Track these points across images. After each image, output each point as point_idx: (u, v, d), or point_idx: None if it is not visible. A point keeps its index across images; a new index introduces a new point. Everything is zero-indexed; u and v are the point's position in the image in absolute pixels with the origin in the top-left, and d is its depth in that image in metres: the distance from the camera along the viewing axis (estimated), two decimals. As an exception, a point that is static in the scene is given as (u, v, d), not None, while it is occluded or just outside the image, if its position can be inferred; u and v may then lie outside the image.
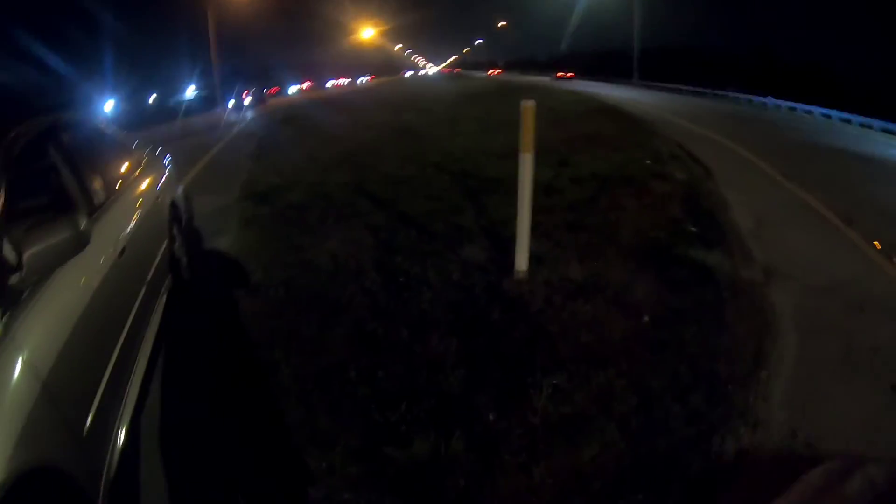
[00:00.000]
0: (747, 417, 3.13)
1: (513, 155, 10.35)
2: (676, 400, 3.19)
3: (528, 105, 4.40)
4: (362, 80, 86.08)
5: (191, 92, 46.82)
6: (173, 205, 4.76)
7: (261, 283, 4.80)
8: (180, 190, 5.68)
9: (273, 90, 54.26)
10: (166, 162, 5.41)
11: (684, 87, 36.64)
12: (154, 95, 46.32)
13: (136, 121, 27.84)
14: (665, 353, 3.71)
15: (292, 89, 62.09)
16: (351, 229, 6.26)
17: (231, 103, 33.82)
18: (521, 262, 4.62)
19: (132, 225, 3.33)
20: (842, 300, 4.73)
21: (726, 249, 5.70)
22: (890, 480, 0.36)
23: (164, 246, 4.03)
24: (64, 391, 1.93)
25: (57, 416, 1.86)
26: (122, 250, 2.91)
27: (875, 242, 6.11)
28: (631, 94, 32.22)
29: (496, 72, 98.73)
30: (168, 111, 34.79)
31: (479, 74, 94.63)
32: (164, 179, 4.82)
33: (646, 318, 4.15)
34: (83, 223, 2.12)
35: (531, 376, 3.32)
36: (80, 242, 2.12)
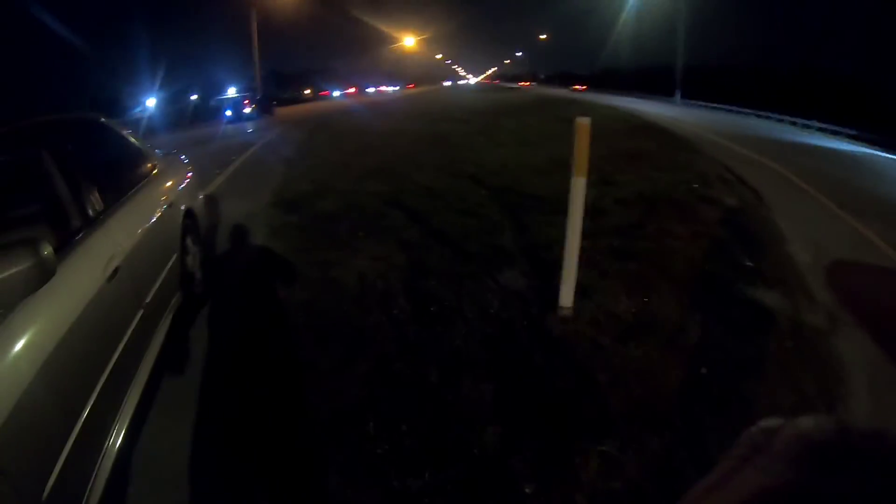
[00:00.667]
0: None
1: (553, 171, 10.01)
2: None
3: (584, 123, 3.82)
4: (393, 88, 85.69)
5: (232, 93, 47.27)
6: (189, 214, 4.42)
7: (281, 303, 4.43)
8: (201, 197, 5.36)
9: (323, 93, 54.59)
10: (185, 167, 5.09)
11: (728, 107, 35.76)
12: (195, 96, 47.00)
13: (178, 120, 28.12)
14: (727, 412, 3.24)
15: (336, 93, 62.61)
16: (381, 244, 5.88)
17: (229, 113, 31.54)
18: (567, 296, 4.14)
19: (133, 239, 2.97)
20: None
21: (786, 288, 5.18)
22: (819, 430, 0.35)
23: (172, 260, 3.69)
24: (17, 452, 1.57)
25: (6, 484, 1.51)
26: (115, 270, 2.55)
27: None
28: (672, 112, 31.48)
29: (526, 84, 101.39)
30: (209, 112, 34.97)
31: (514, 86, 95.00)
32: (180, 186, 4.49)
33: (703, 370, 3.68)
34: (45, 251, 1.74)
35: (577, 438, 2.88)
36: (43, 273, 1.75)
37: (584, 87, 65.15)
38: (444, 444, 2.84)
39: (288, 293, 4.65)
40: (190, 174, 5.07)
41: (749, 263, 5.71)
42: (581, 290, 4.39)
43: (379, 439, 2.86)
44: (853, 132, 23.23)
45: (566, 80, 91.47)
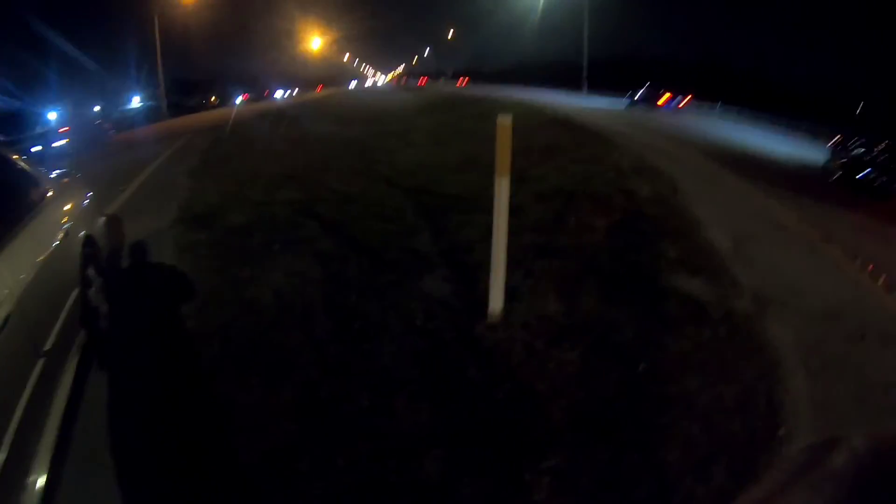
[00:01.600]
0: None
1: (468, 168, 9.86)
2: (700, 481, 2.62)
3: (505, 122, 3.66)
4: (287, 93, 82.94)
5: (136, 102, 45.34)
6: (89, 241, 4.00)
7: (193, 333, 4.07)
8: (102, 220, 4.91)
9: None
10: (83, 188, 4.65)
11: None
12: (97, 107, 45.09)
13: (81, 134, 26.59)
14: (673, 411, 3.14)
15: (238, 100, 60.93)
16: (297, 258, 5.54)
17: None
18: (496, 302, 3.96)
19: (24, 279, 2.59)
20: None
21: (710, 275, 5.18)
22: (873, 451, 0.35)
23: (73, 295, 3.29)
24: None
25: None
26: (5, 320, 2.19)
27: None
28: (581, 104, 32.05)
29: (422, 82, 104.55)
30: (113, 123, 33.47)
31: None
32: (78, 211, 4.07)
33: (642, 366, 3.57)
34: None
35: (523, 455, 2.70)
36: None
37: (467, 80, 73.65)
38: (385, 475, 2.60)
39: (201, 320, 4.28)
40: (89, 195, 4.62)
41: (672, 253, 5.70)
42: (508, 293, 4.22)
43: (314, 478, 2.59)
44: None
45: (474, 76, 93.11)
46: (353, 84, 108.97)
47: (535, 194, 7.94)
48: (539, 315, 4.13)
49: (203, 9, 49.80)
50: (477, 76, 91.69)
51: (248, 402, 3.19)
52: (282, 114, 28.34)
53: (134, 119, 33.32)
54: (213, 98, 66.89)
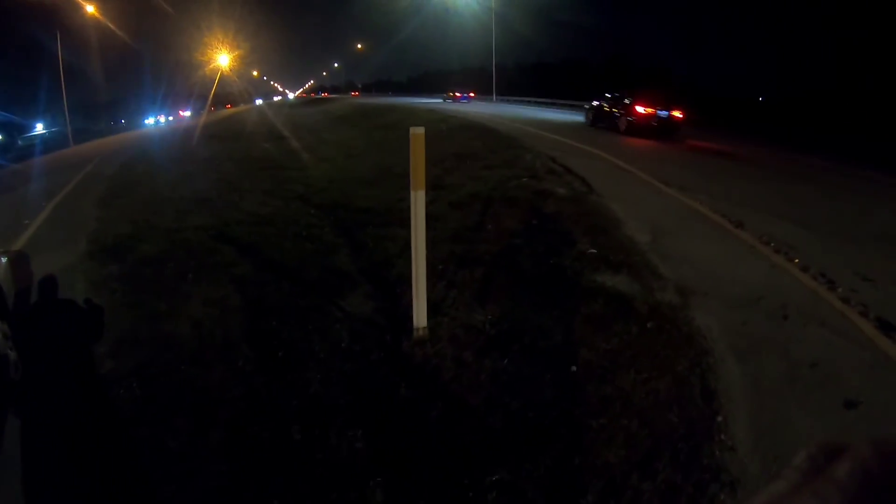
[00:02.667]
0: (722, 477, 2.67)
1: (381, 181, 9.78)
2: (646, 477, 2.61)
3: (418, 133, 3.58)
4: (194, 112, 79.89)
5: (40, 129, 43.12)
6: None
7: (109, 376, 3.80)
8: (3, 261, 4.55)
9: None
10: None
11: (545, 101, 37.59)
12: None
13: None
14: (610, 410, 3.14)
15: (149, 121, 59.17)
16: (214, 285, 5.30)
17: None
18: (421, 316, 3.87)
19: None
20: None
21: (632, 271, 5.26)
22: (879, 457, 0.34)
23: None
24: None
25: None
26: None
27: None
28: (492, 110, 32.38)
29: (325, 94, 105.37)
30: (18, 152, 31.78)
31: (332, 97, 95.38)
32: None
33: (573, 369, 3.56)
34: None
35: (466, 472, 2.63)
36: None
37: (357, 94, 76.30)
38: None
39: (118, 361, 4.00)
40: None
41: (593, 251, 5.76)
42: (432, 306, 4.15)
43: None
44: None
45: (384, 88, 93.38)
46: (258, 101, 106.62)
47: (452, 202, 7.90)
48: (465, 326, 4.07)
49: (108, 29, 47.88)
50: (387, 86, 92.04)
51: (175, 446, 2.99)
52: (191, 134, 27.50)
53: (36, 147, 31.51)
54: (122, 121, 64.62)
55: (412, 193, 3.68)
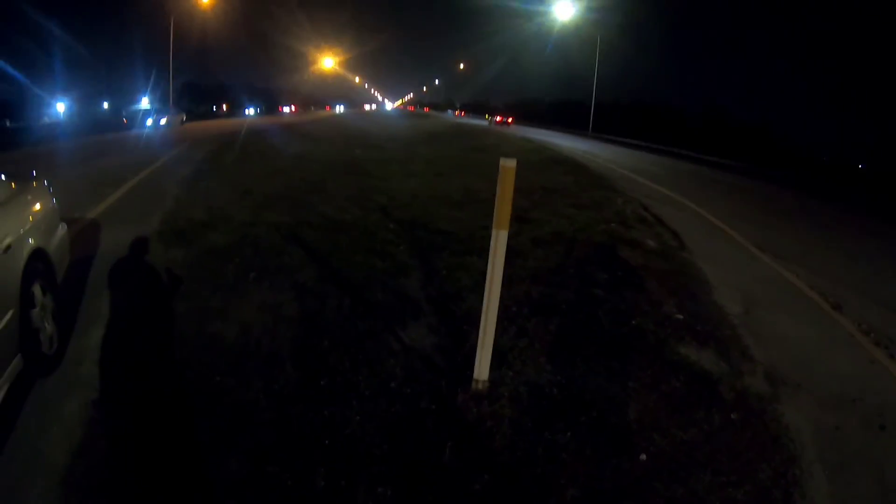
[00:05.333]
0: None
1: (466, 204, 9.47)
2: None
3: (509, 166, 3.22)
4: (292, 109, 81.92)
5: (145, 104, 45.33)
6: (38, 255, 3.56)
7: (145, 368, 3.61)
8: (61, 232, 4.46)
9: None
10: (38, 195, 4.22)
11: (639, 143, 36.87)
12: (105, 104, 45.29)
13: (87, 128, 26.38)
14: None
15: (250, 111, 61.54)
16: (274, 289, 5.08)
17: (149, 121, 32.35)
18: (484, 368, 3.47)
19: None
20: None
21: (721, 346, 4.74)
22: None
23: (7, 318, 2.86)
24: None
25: None
26: None
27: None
28: (585, 146, 31.83)
29: (426, 109, 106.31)
30: (120, 121, 33.54)
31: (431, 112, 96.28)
32: (26, 222, 3.63)
33: (643, 457, 3.12)
34: None
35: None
36: None
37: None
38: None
39: (158, 355, 3.80)
40: (41, 204, 4.15)
41: (679, 317, 5.27)
42: (498, 355, 3.77)
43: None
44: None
45: (481, 109, 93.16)
46: (339, 108, 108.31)
47: (534, 239, 7.52)
48: (530, 384, 3.66)
49: (220, 16, 49.91)
50: (483, 109, 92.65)
51: (185, 469, 2.72)
52: (290, 130, 28.08)
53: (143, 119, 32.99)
54: (224, 106, 67.21)
55: (494, 231, 3.32)
